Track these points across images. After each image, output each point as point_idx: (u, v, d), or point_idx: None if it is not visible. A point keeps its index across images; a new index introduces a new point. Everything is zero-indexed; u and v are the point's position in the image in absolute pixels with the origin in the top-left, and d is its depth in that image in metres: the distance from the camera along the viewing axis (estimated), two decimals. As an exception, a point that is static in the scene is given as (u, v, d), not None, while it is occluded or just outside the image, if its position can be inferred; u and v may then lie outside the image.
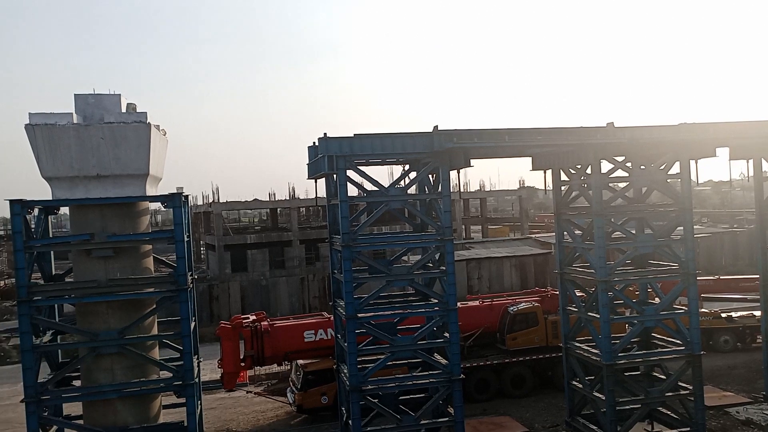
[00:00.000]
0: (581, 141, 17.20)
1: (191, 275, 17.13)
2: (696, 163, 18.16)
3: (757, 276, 22.83)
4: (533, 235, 58.40)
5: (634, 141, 17.32)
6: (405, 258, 27.10)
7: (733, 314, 31.34)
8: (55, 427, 16.08)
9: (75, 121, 15.30)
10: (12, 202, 14.94)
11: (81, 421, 16.17)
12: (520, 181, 71.76)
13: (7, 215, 15.89)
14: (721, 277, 35.13)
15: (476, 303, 27.20)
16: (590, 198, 18.21)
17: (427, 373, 17.60)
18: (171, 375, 15.95)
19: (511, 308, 25.95)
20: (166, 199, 16.29)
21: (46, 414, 15.34)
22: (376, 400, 16.75)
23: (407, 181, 17.80)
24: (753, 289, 31.03)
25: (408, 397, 18.49)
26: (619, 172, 18.45)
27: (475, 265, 45.68)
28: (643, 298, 20.27)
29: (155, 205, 18.05)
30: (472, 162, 17.46)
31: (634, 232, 19.13)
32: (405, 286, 18.89)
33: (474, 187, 70.25)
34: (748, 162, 21.29)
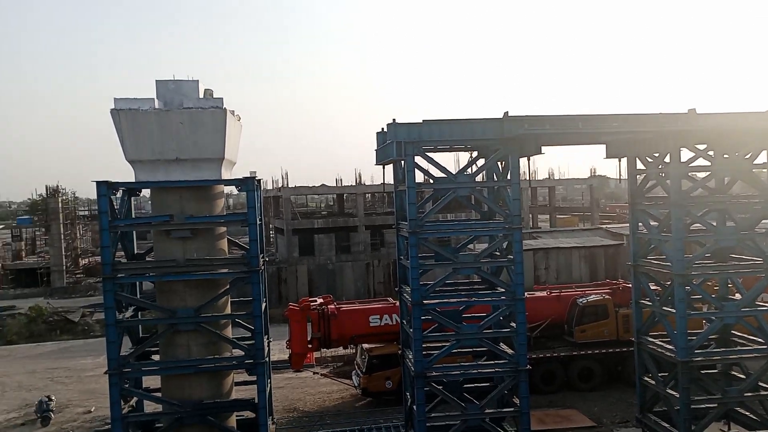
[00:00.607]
0: (660, 128, 16.46)
1: (262, 257, 17.62)
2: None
3: None
4: (604, 226, 56.58)
5: (717, 128, 16.45)
6: (471, 246, 26.96)
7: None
8: (135, 398, 17.02)
9: (156, 106, 15.85)
10: (99, 183, 15.69)
11: (159, 394, 17.00)
12: (591, 170, 69.60)
13: (92, 197, 16.74)
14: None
15: (543, 293, 26.72)
16: (668, 188, 17.44)
17: (492, 362, 17.47)
18: (243, 353, 16.52)
19: (580, 300, 25.34)
20: (240, 183, 16.76)
21: (127, 386, 16.20)
22: (440, 387, 16.80)
23: (475, 168, 17.61)
24: None
25: (472, 385, 18.43)
26: (700, 161, 17.56)
27: (542, 255, 44.72)
28: (723, 293, 19.31)
29: (228, 189, 18.61)
30: (543, 149, 17.07)
31: (714, 224, 18.22)
32: (471, 274, 18.76)
33: (542, 175, 68.72)
34: None
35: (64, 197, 59.17)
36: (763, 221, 17.63)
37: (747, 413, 18.20)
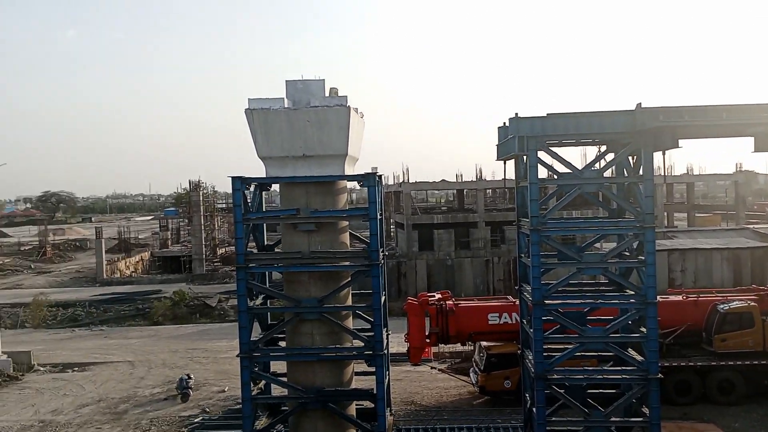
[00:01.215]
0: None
1: (383, 251, 17.96)
2: None
3: None
4: (751, 226, 51.58)
5: None
6: (597, 245, 25.72)
7: None
8: (263, 381, 18.04)
9: (286, 105, 16.64)
10: (234, 178, 16.78)
11: (285, 379, 17.91)
12: (736, 165, 63.53)
13: (230, 191, 17.88)
14: None
15: (679, 298, 24.88)
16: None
17: (619, 368, 16.58)
18: (363, 344, 16.96)
19: (721, 306, 23.29)
20: (362, 178, 17.19)
21: (256, 369, 17.22)
22: (562, 391, 16.21)
23: (603, 163, 16.76)
24: None
25: (597, 391, 17.60)
26: None
27: (678, 256, 41.61)
28: None
29: (351, 184, 19.13)
30: (680, 143, 15.88)
31: None
32: (597, 274, 17.91)
33: (679, 170, 63.87)
34: None
35: (204, 191, 63.97)
36: None
37: None
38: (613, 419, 16.08)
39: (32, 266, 68.35)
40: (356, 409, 18.10)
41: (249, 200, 17.52)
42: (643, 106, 15.21)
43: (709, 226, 60.00)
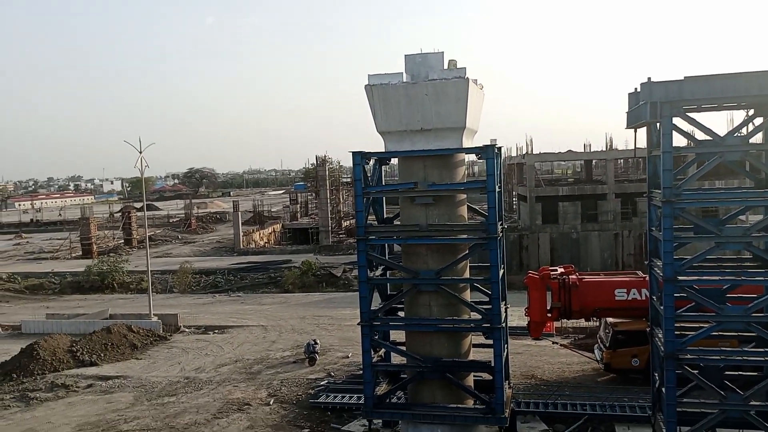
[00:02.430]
0: None
1: (501, 224, 17.73)
2: None
3: None
4: None
5: None
6: (742, 217, 23.57)
7: None
8: (383, 350, 18.66)
9: (404, 80, 16.77)
10: (354, 153, 17.29)
11: (404, 348, 18.41)
12: None
13: (350, 165, 18.41)
14: None
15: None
16: None
17: (762, 350, 15.25)
18: (480, 317, 16.97)
19: None
20: (480, 151, 17.00)
21: (376, 337, 17.86)
22: (695, 371, 15.24)
23: (750, 128, 15.25)
24: None
25: (735, 373, 16.35)
26: None
27: (842, 229, 37.06)
28: None
29: (472, 157, 18.97)
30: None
31: None
32: (740, 249, 16.47)
33: None
34: None
35: (330, 166, 66.33)
36: None
37: None
38: (753, 403, 14.89)
39: (179, 237, 75.16)
40: (474, 380, 18.23)
41: (369, 174, 18.00)
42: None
43: None
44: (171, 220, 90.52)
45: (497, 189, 17.29)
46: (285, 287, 44.63)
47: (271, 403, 22.65)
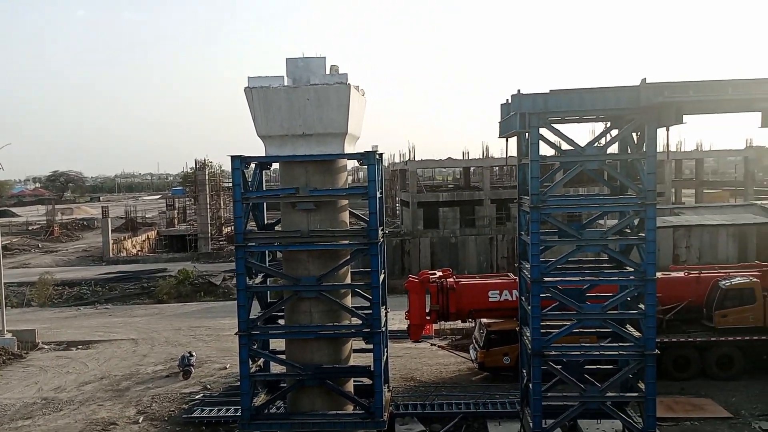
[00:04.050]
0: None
1: (382, 230, 17.97)
2: None
3: None
4: (759, 202, 51.15)
5: None
6: (601, 222, 25.58)
7: None
8: (262, 359, 18.22)
9: (285, 83, 16.53)
10: (233, 157, 16.76)
11: (284, 356, 18.09)
12: (746, 140, 62.81)
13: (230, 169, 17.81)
14: None
15: (681, 274, 24.83)
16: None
17: (617, 344, 16.62)
18: (361, 322, 17.08)
19: (724, 282, 23.26)
20: (361, 157, 17.13)
21: (255, 347, 17.41)
22: (559, 367, 16.30)
23: (607, 139, 16.59)
24: None
25: (594, 367, 17.69)
26: None
27: (683, 232, 41.44)
28: None
29: (356, 163, 19.06)
30: (686, 119, 15.67)
31: None
32: (597, 252, 17.87)
33: (690, 146, 63.21)
34: None
35: (211, 170, 64.03)
36: None
37: None
38: (608, 394, 16.18)
39: (40, 245, 68.96)
40: (354, 385, 18.30)
41: (249, 179, 17.56)
42: (647, 81, 14.99)
43: (717, 202, 59.58)
44: (30, 228, 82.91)
45: (378, 195, 17.50)
46: (159, 298, 42.37)
47: (140, 421, 21.29)
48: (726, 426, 18.67)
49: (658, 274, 16.35)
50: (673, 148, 56.79)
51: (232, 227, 63.88)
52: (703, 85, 14.78)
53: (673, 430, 18.35)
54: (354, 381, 18.40)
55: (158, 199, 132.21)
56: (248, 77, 16.61)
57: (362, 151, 17.38)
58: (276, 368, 19.21)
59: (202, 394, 23.34)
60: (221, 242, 61.81)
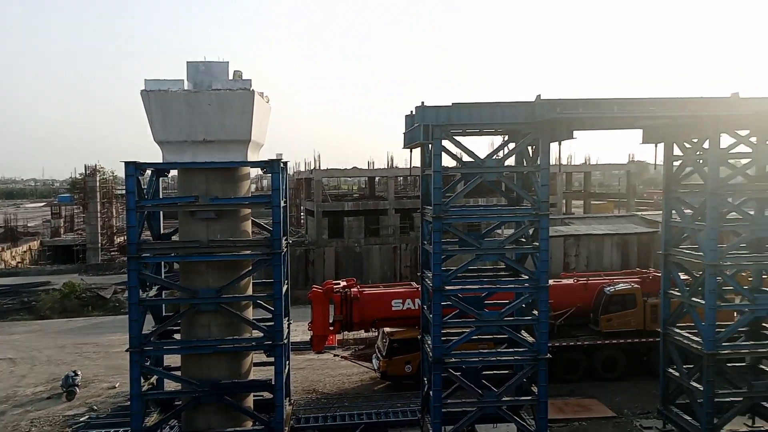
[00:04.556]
0: (700, 112, 15.84)
1: (286, 240, 17.67)
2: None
3: None
4: (640, 213, 55.31)
5: (761, 114, 15.73)
6: (498, 231, 26.58)
7: None
8: (155, 377, 17.30)
9: (186, 87, 15.90)
10: (127, 163, 15.88)
11: (179, 373, 17.28)
12: (629, 155, 67.91)
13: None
14: None
15: (570, 281, 26.27)
16: (705, 175, 16.87)
17: (512, 350, 17.27)
18: (262, 335, 16.65)
19: (608, 288, 24.85)
20: (265, 165, 16.78)
21: (147, 363, 16.52)
22: (458, 373, 16.68)
23: (505, 152, 17.27)
24: None
25: (491, 372, 18.27)
26: (741, 148, 16.91)
27: (573, 241, 44.05)
28: (757, 285, 18.68)
29: (260, 171, 18.65)
30: (576, 134, 16.62)
31: (752, 213, 17.56)
32: (496, 260, 18.51)
33: (579, 160, 67.31)
34: None
35: (102, 177, 60.40)
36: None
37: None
38: (504, 399, 16.75)
39: None
40: (254, 400, 17.81)
41: (145, 187, 16.74)
42: (542, 98, 15.73)
43: (603, 213, 63.83)
44: None
45: (283, 204, 17.21)
46: (41, 313, 39.24)
47: (18, 447, 19.59)
48: (611, 425, 19.86)
49: (551, 281, 17.18)
50: (564, 162, 60.25)
51: (125, 237, 60.97)
52: (591, 103, 15.74)
53: (563, 430, 19.27)
54: (254, 396, 17.89)
55: (43, 206, 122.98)
56: (145, 80, 15.87)
57: (266, 159, 17.03)
58: (170, 385, 18.32)
59: (87, 416, 21.78)
60: (113, 253, 58.45)
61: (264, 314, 17.86)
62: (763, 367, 18.36)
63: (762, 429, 17.69)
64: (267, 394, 17.33)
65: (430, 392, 16.67)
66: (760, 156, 17.00)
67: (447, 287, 16.45)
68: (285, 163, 17.86)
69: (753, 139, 16.82)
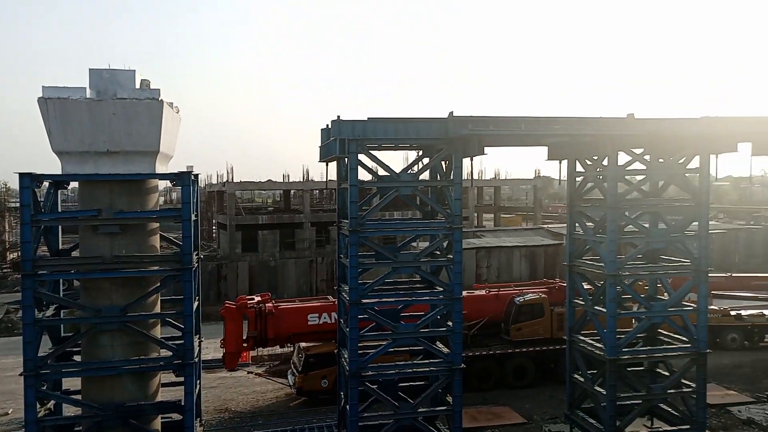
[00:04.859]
0: (599, 132, 16.83)
1: (197, 255, 17.08)
2: (716, 157, 17.76)
3: (771, 276, 22.43)
4: (546, 226, 57.95)
5: (654, 133, 16.92)
6: (414, 245, 26.97)
7: (743, 312, 30.99)
8: (52, 402, 16.17)
9: (88, 95, 15.14)
10: (21, 175, 14.89)
11: (79, 396, 16.23)
12: (535, 171, 71.27)
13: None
14: (733, 275, 34.72)
15: (483, 292, 27.05)
16: (605, 190, 17.89)
17: (428, 361, 17.50)
18: (171, 354, 15.96)
19: (518, 299, 25.77)
20: (175, 178, 16.18)
21: (44, 388, 15.41)
22: (375, 386, 16.70)
23: (420, 166, 17.58)
24: (765, 288, 30.61)
25: (407, 384, 18.42)
26: (637, 165, 18.10)
27: (484, 253, 45.44)
28: (652, 293, 19.98)
29: (170, 184, 17.96)
30: (487, 150, 17.18)
31: (647, 226, 18.80)
32: (411, 273, 18.77)
33: (489, 174, 69.79)
34: (770, 158, 20.78)
35: (-6, 188, 56.26)
36: (693, 224, 18.29)
37: (669, 409, 18.92)
38: (420, 410, 16.92)
39: None
40: (162, 422, 17.00)
41: (42, 199, 15.70)
42: (455, 114, 16.16)
43: (512, 225, 66.41)
44: None
45: (194, 217, 16.64)
46: None
47: None
48: (522, 431, 20.52)
49: (464, 293, 17.58)
50: (475, 177, 62.24)
51: (19, 253, 56.87)
52: (501, 121, 16.35)
53: (477, 438, 19.73)
54: (162, 418, 17.07)
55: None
56: (43, 87, 14.97)
57: (176, 171, 16.42)
58: (70, 410, 17.16)
59: (-25, 448, 20.06)
60: (5, 270, 54.36)
61: (173, 332, 17.12)
62: (660, 371, 19.58)
63: (660, 429, 18.81)
64: (177, 416, 16.58)
65: (347, 406, 16.58)
66: (653, 173, 18.26)
67: (364, 300, 16.48)
68: (196, 176, 17.31)
69: (647, 157, 18.05)
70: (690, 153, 17.75)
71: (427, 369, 17.26)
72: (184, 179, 16.04)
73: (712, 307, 28.37)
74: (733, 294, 33.69)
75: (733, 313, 30.74)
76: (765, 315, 29.77)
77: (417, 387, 18.29)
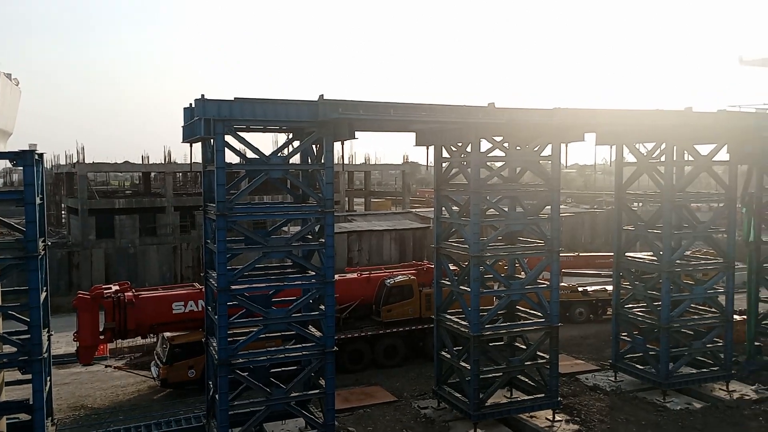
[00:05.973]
0: (463, 119, 17.50)
1: (44, 241, 15.56)
2: (566, 146, 19.19)
3: (612, 254, 24.83)
4: (414, 210, 59.75)
5: (511, 122, 17.89)
6: (285, 229, 26.59)
7: (588, 288, 34.17)
8: None
9: None
10: None
11: None
12: (404, 157, 73.16)
13: None
14: (580, 254, 38.17)
15: (354, 275, 27.34)
16: (468, 175, 18.70)
17: (300, 345, 17.39)
18: (15, 350, 14.48)
19: (388, 281, 26.36)
20: (15, 157, 14.56)
21: None
22: (245, 374, 16.31)
23: (291, 149, 17.27)
24: (607, 266, 33.95)
25: (279, 370, 18.20)
26: (497, 152, 19.09)
27: (355, 237, 45.99)
28: (511, 272, 21.32)
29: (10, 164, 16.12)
30: (357, 135, 17.24)
31: (507, 210, 19.96)
32: (283, 257, 18.48)
33: (360, 159, 70.46)
34: (611, 148, 22.88)
35: None
36: (547, 207, 19.70)
37: (527, 380, 20.41)
38: (292, 395, 16.81)
39: None
40: (8, 423, 15.45)
41: None
42: (326, 98, 15.99)
43: (381, 210, 67.73)
44: None
45: (39, 201, 15.09)
46: None
47: None
48: (392, 408, 21.08)
49: (336, 276, 17.60)
50: (346, 161, 62.64)
51: None
52: (370, 105, 16.46)
53: (349, 419, 19.97)
54: (8, 419, 15.48)
55: None
56: None
57: (17, 150, 14.79)
58: None
59: None
60: None
61: (18, 326, 15.52)
62: (518, 344, 21.00)
63: (518, 399, 20.21)
64: (25, 416, 15.11)
65: (216, 396, 16.04)
66: (511, 159, 19.41)
67: (233, 287, 15.96)
68: (41, 155, 15.71)
69: (506, 145, 19.13)
70: (543, 141, 19.05)
71: (300, 354, 17.14)
72: (26, 159, 14.52)
73: (562, 284, 30.93)
74: (579, 272, 37.03)
75: (580, 289, 33.78)
76: (607, 290, 32.99)
77: (289, 372, 18.12)
